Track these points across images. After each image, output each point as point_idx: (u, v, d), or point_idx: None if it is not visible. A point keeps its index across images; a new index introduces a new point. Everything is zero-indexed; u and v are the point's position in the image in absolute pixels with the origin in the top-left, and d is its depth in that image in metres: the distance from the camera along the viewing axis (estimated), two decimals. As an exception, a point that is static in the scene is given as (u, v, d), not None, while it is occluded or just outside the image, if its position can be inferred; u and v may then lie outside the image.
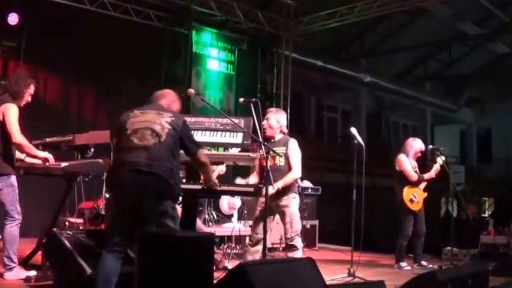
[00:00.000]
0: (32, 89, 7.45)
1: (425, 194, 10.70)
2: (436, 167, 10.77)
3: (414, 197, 10.52)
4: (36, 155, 7.29)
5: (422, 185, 10.66)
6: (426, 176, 10.60)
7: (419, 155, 10.94)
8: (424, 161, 11.10)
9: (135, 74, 12.83)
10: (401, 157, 10.68)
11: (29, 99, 7.48)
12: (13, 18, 10.96)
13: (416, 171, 10.70)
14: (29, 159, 7.49)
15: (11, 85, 7.35)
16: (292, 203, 7.96)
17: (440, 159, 10.83)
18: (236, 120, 7.39)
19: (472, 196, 19.42)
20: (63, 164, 7.37)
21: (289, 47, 16.37)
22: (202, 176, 6.60)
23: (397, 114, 28.95)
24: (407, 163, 10.62)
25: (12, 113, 7.08)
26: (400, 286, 6.92)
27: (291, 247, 8.00)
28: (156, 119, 5.98)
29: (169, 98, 6.55)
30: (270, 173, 7.17)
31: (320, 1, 15.68)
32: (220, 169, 9.20)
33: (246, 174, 10.80)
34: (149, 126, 5.91)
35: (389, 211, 10.93)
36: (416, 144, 10.87)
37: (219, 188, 6.64)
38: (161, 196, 5.75)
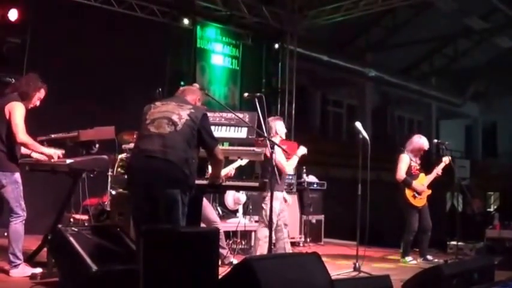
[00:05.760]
0: (42, 93, 7.45)
1: (429, 191, 10.68)
2: (439, 169, 10.76)
3: (417, 193, 10.50)
4: (42, 152, 7.29)
5: (426, 181, 10.65)
6: (415, 184, 10.53)
7: (421, 153, 10.88)
8: (429, 156, 11.06)
9: (139, 70, 12.80)
10: (402, 156, 10.65)
11: (38, 103, 7.49)
12: (15, 14, 10.95)
13: (418, 169, 10.68)
14: (35, 155, 7.48)
15: (21, 85, 7.36)
16: None
17: (446, 158, 10.81)
18: (241, 115, 7.40)
19: (477, 190, 19.36)
20: (68, 161, 7.36)
21: (294, 41, 16.35)
22: (211, 171, 6.63)
23: (402, 109, 28.96)
24: (403, 162, 10.60)
25: (18, 112, 7.08)
26: (405, 280, 6.91)
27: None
28: (175, 109, 6.11)
29: (196, 94, 6.63)
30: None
31: (324, -5, 15.67)
32: (229, 171, 9.09)
33: (250, 171, 10.83)
34: (167, 116, 6.05)
35: (395, 206, 10.91)
36: (415, 141, 10.81)
37: (224, 183, 6.66)
38: (172, 183, 5.85)
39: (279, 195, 8.68)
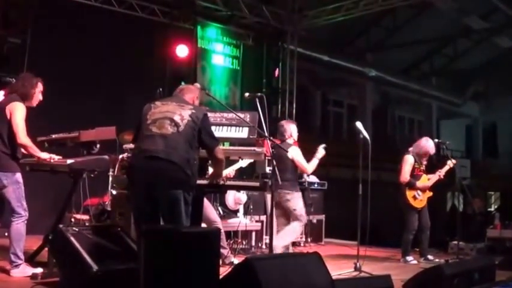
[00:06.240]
0: (40, 87, 7.47)
1: (430, 194, 10.68)
2: (442, 172, 10.76)
3: (418, 194, 10.50)
4: (38, 157, 7.29)
5: (429, 182, 10.64)
6: (419, 184, 10.55)
7: (427, 157, 10.88)
8: (430, 157, 11.06)
9: (140, 70, 12.82)
10: (407, 157, 10.66)
11: (40, 97, 7.50)
12: (16, 15, 10.97)
13: (422, 170, 10.67)
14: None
15: (18, 88, 7.36)
16: None
17: (451, 162, 10.82)
18: (241, 115, 7.40)
19: (478, 190, 19.41)
20: (69, 161, 7.36)
21: (295, 41, 16.36)
22: (212, 170, 6.62)
23: (402, 109, 28.96)
24: (408, 164, 10.60)
25: (19, 112, 7.09)
26: (406, 280, 6.92)
27: None
28: (176, 109, 6.12)
29: (193, 93, 6.64)
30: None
31: (325, -5, 15.68)
32: (229, 172, 9.11)
33: (250, 171, 10.83)
34: (169, 116, 6.05)
35: (395, 205, 10.91)
36: (422, 144, 10.79)
37: (225, 183, 6.67)
38: (175, 184, 5.87)
39: (296, 194, 9.14)
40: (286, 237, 8.99)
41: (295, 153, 9.03)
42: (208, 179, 6.64)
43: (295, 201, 9.06)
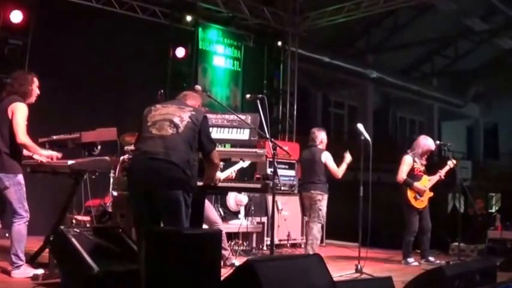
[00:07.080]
0: (36, 82, 7.46)
1: (431, 194, 10.68)
2: (442, 172, 10.77)
3: (419, 195, 10.50)
4: (40, 155, 7.30)
5: (429, 183, 10.64)
6: (417, 185, 10.54)
7: (428, 154, 10.90)
8: (431, 157, 11.06)
9: (141, 71, 12.82)
10: (405, 157, 10.68)
11: (38, 91, 7.49)
12: (17, 16, 10.98)
13: (421, 171, 10.67)
14: (37, 156, 7.48)
15: (15, 88, 7.33)
16: None
17: (451, 163, 10.83)
18: (243, 117, 7.40)
19: (479, 191, 19.34)
20: (70, 162, 7.35)
21: (296, 43, 16.37)
22: (206, 173, 6.58)
23: (404, 110, 28.96)
24: (405, 164, 10.61)
25: (20, 112, 7.09)
26: (407, 282, 6.91)
27: None
28: (176, 111, 6.12)
29: (196, 100, 6.65)
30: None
31: (326, -4, 15.69)
32: (230, 173, 9.09)
33: (251, 172, 10.84)
34: (168, 118, 6.05)
35: (396, 207, 10.91)
36: (422, 143, 10.82)
37: (226, 185, 6.66)
38: (175, 185, 5.84)
39: (326, 197, 9.96)
40: (317, 241, 9.95)
41: (328, 158, 9.95)
42: (202, 181, 6.62)
43: (324, 202, 9.91)
